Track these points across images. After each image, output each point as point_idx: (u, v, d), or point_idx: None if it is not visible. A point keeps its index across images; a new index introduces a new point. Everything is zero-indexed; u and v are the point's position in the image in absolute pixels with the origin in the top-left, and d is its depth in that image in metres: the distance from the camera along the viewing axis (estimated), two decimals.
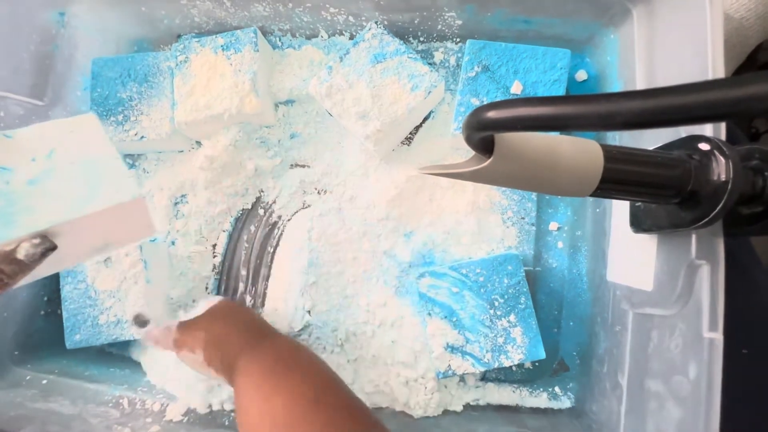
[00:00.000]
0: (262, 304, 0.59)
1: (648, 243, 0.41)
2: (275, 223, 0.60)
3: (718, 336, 0.32)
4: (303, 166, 0.60)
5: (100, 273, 0.55)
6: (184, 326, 0.49)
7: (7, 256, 0.31)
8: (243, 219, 0.61)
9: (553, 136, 0.30)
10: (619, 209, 0.47)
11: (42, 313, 0.59)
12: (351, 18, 0.56)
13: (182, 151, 0.62)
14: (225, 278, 0.61)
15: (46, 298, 0.59)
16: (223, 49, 0.56)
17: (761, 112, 0.20)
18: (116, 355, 0.60)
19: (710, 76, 0.35)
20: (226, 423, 0.51)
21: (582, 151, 0.30)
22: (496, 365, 0.51)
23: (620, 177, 0.31)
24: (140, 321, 0.54)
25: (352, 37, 0.60)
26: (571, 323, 0.55)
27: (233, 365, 0.44)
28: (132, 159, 0.63)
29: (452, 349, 0.52)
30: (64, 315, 0.55)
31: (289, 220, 0.60)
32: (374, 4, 0.53)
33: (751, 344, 0.44)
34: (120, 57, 0.59)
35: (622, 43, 0.50)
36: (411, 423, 0.53)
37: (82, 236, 0.35)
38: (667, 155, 0.32)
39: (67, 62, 0.59)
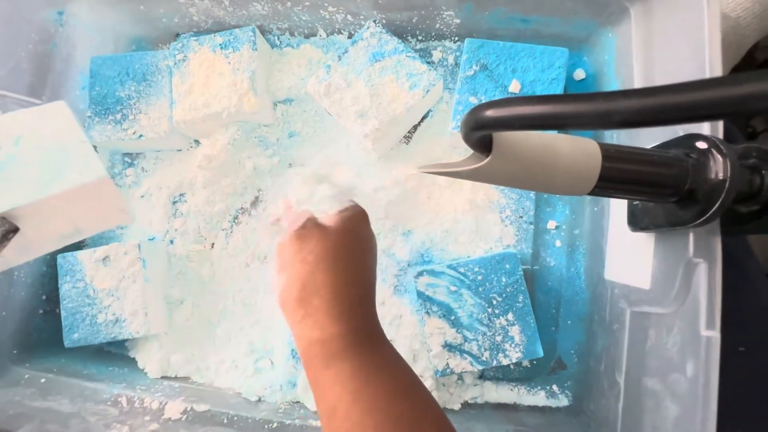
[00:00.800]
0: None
1: (646, 241, 0.41)
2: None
3: (716, 334, 0.32)
4: (302, 165, 0.60)
5: (99, 272, 0.55)
6: (304, 231, 0.35)
7: None
8: (241, 218, 0.61)
9: (551, 134, 0.30)
10: (617, 208, 0.47)
11: (40, 311, 0.59)
12: (349, 17, 0.56)
13: (181, 150, 0.62)
14: None
15: (44, 297, 0.59)
16: (221, 48, 0.56)
17: (758, 110, 0.20)
18: (115, 354, 0.60)
19: (707, 75, 0.35)
20: (225, 421, 0.51)
21: (580, 150, 0.30)
22: (494, 364, 0.51)
23: (618, 176, 0.31)
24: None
25: (350, 36, 0.60)
26: (569, 321, 0.56)
27: (325, 353, 0.32)
28: (131, 158, 0.63)
29: (450, 347, 0.52)
30: (63, 314, 0.55)
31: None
32: (373, 3, 0.53)
33: (748, 342, 0.44)
34: (118, 56, 0.59)
35: (620, 42, 0.50)
36: None
37: (49, 221, 0.35)
38: (665, 154, 0.32)
39: (65, 61, 0.59)
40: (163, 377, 0.58)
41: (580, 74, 0.56)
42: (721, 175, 0.30)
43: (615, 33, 0.51)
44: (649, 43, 0.45)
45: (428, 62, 0.57)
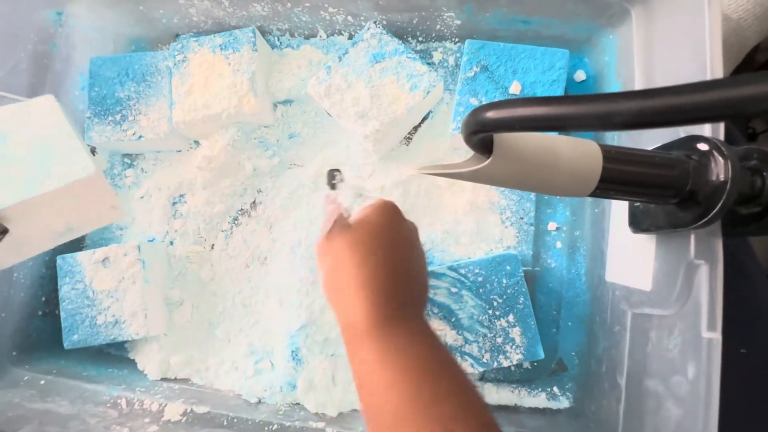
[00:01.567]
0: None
1: (647, 243, 0.41)
2: (273, 223, 0.60)
3: (717, 336, 0.32)
4: (301, 166, 0.60)
5: (98, 273, 0.55)
6: (331, 231, 0.38)
7: None
8: (241, 219, 0.61)
9: (552, 136, 0.30)
10: (618, 209, 0.47)
11: (40, 313, 0.59)
12: (350, 18, 0.56)
13: (180, 151, 0.62)
14: None
15: (44, 299, 0.59)
16: (221, 49, 0.56)
17: (759, 112, 0.20)
18: (114, 356, 0.60)
19: (708, 77, 0.35)
20: (225, 423, 0.51)
21: (581, 152, 0.30)
22: (494, 365, 0.51)
23: (619, 177, 0.31)
24: (333, 177, 0.43)
25: (350, 37, 0.60)
26: (570, 323, 0.55)
27: (351, 336, 0.35)
28: (130, 159, 0.63)
29: (451, 349, 0.52)
30: (62, 315, 0.54)
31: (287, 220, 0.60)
32: (373, 4, 0.53)
33: (750, 344, 0.44)
34: (118, 56, 0.59)
35: (621, 44, 0.50)
36: None
37: (39, 220, 0.34)
38: (666, 155, 0.32)
39: (65, 62, 0.59)
40: (162, 379, 0.57)
41: (580, 76, 0.56)
42: (722, 177, 0.30)
43: (616, 34, 0.51)
44: (650, 44, 0.45)
45: (429, 63, 0.57)
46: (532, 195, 0.57)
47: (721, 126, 0.34)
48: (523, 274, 0.52)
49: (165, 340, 0.58)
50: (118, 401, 0.53)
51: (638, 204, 0.40)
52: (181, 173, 0.61)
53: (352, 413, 0.54)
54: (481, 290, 0.52)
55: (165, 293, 0.58)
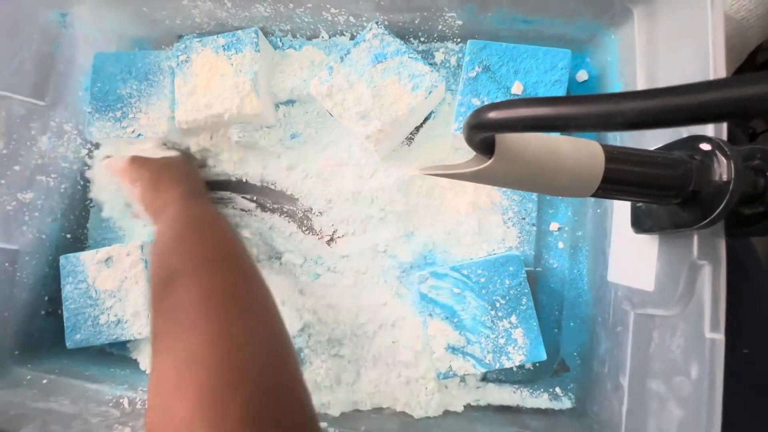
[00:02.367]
0: None
1: (649, 243, 0.41)
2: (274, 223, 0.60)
3: (720, 336, 0.32)
4: (303, 166, 0.60)
5: (101, 273, 0.55)
6: (135, 160, 0.54)
7: None
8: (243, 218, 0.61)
9: (554, 136, 0.30)
10: (620, 210, 0.47)
11: (43, 313, 0.59)
12: (352, 18, 0.56)
13: None
14: None
15: (47, 298, 0.60)
16: (224, 50, 0.56)
17: (763, 112, 0.20)
18: (117, 355, 0.60)
19: (711, 77, 0.35)
20: None
21: (583, 152, 0.30)
22: (497, 366, 0.51)
23: (621, 177, 0.31)
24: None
25: (352, 38, 0.60)
26: (572, 324, 0.55)
27: (160, 211, 0.49)
28: None
29: (453, 349, 0.52)
30: (65, 315, 0.55)
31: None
32: (375, 5, 0.53)
33: (753, 344, 0.44)
34: (122, 53, 0.59)
35: (623, 44, 0.50)
36: (411, 423, 0.53)
37: None
38: (669, 155, 0.32)
39: (68, 62, 0.59)
40: None
41: (582, 76, 0.56)
42: (725, 177, 0.30)
43: (618, 34, 0.51)
44: (652, 44, 0.45)
45: (431, 64, 0.57)
46: (534, 195, 0.57)
47: (724, 126, 0.34)
48: (525, 275, 0.52)
49: None
50: (121, 401, 0.53)
51: (641, 204, 0.40)
52: None
53: (355, 413, 0.54)
54: (483, 291, 0.52)
55: None
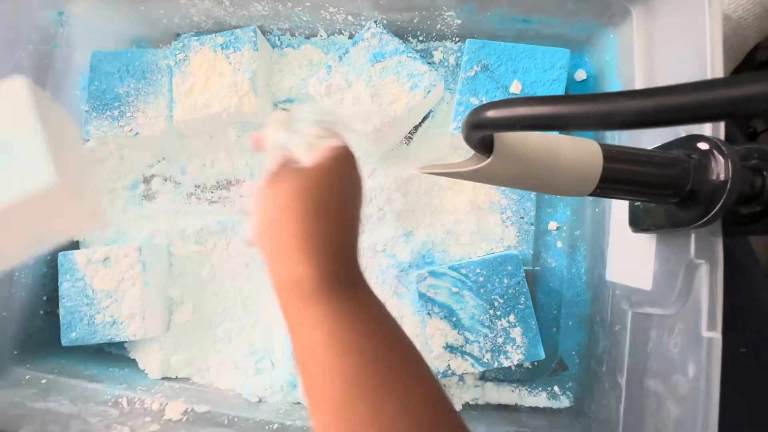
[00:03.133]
0: None
1: (647, 242, 0.41)
2: None
3: (717, 335, 0.32)
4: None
5: (99, 272, 0.55)
6: (279, 172, 0.34)
7: None
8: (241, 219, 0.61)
9: (553, 135, 0.30)
10: (619, 209, 0.47)
11: (41, 312, 0.59)
12: (350, 17, 0.56)
13: None
14: None
15: (45, 298, 0.59)
16: (222, 48, 0.56)
17: (760, 112, 0.20)
18: (115, 355, 0.60)
19: (709, 76, 0.35)
20: (225, 422, 0.51)
21: (581, 151, 0.30)
22: (495, 365, 0.51)
23: (619, 176, 0.31)
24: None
25: (351, 37, 0.60)
26: (570, 323, 0.56)
27: (300, 307, 0.31)
28: None
29: (452, 349, 0.52)
30: (61, 312, 0.55)
31: None
32: (373, 4, 0.53)
33: (750, 343, 0.44)
34: (119, 52, 0.59)
35: (622, 43, 0.50)
36: None
37: (3, 234, 0.29)
38: (666, 155, 0.32)
39: (65, 61, 0.59)
40: (163, 378, 0.58)
41: (581, 75, 0.56)
42: (722, 176, 0.30)
43: (616, 34, 0.51)
44: (650, 44, 0.45)
45: (429, 63, 0.57)
46: (533, 194, 0.57)
47: (722, 125, 0.34)
48: (524, 274, 0.52)
49: (166, 340, 0.58)
50: (119, 400, 0.53)
51: (639, 203, 0.40)
52: None
53: None
54: (482, 290, 0.52)
55: (165, 294, 0.58)
